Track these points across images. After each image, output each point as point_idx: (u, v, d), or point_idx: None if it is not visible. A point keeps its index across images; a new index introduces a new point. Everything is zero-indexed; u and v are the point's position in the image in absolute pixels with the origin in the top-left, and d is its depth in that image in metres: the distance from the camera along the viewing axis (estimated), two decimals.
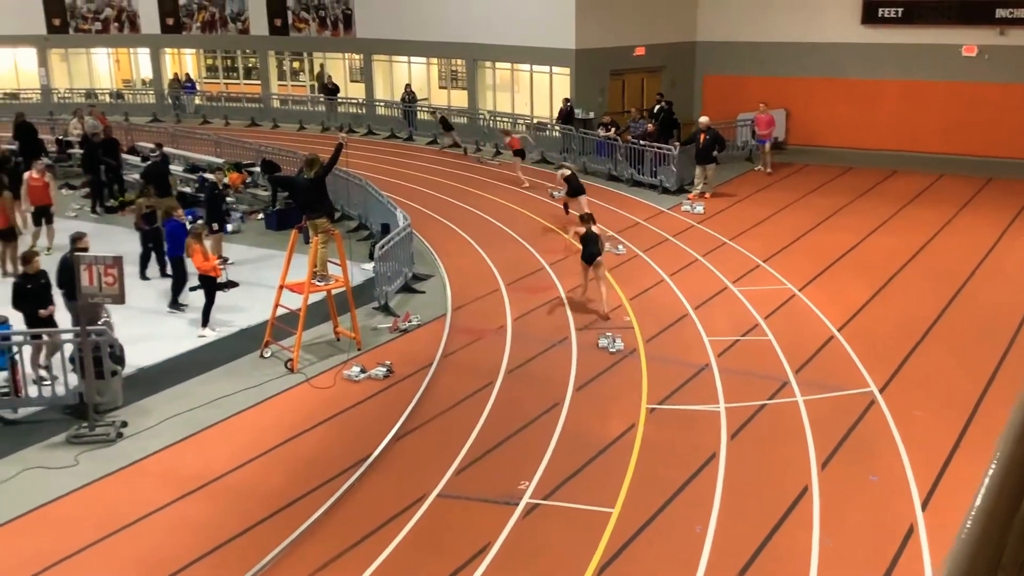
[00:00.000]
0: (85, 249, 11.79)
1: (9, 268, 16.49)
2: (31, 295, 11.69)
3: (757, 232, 19.02)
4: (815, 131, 27.63)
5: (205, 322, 13.71)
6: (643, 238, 18.68)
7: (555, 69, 28.33)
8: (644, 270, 16.72)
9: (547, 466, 9.94)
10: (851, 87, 27.14)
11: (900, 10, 26.05)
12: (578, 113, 26.81)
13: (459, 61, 31.40)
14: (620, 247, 17.73)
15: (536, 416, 11.14)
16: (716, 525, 8.82)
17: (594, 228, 14.60)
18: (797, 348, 12.97)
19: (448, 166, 26.40)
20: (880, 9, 26.30)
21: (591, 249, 14.25)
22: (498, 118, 29.34)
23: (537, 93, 29.39)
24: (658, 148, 22.98)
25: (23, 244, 16.74)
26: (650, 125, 24.49)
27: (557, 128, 26.99)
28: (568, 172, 19.54)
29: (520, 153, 24.30)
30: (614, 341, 13.20)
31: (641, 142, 23.58)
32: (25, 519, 9.11)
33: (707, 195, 21.75)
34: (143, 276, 15.99)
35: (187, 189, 21.31)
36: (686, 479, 9.65)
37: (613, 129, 24.99)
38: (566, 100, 27.10)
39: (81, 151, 22.87)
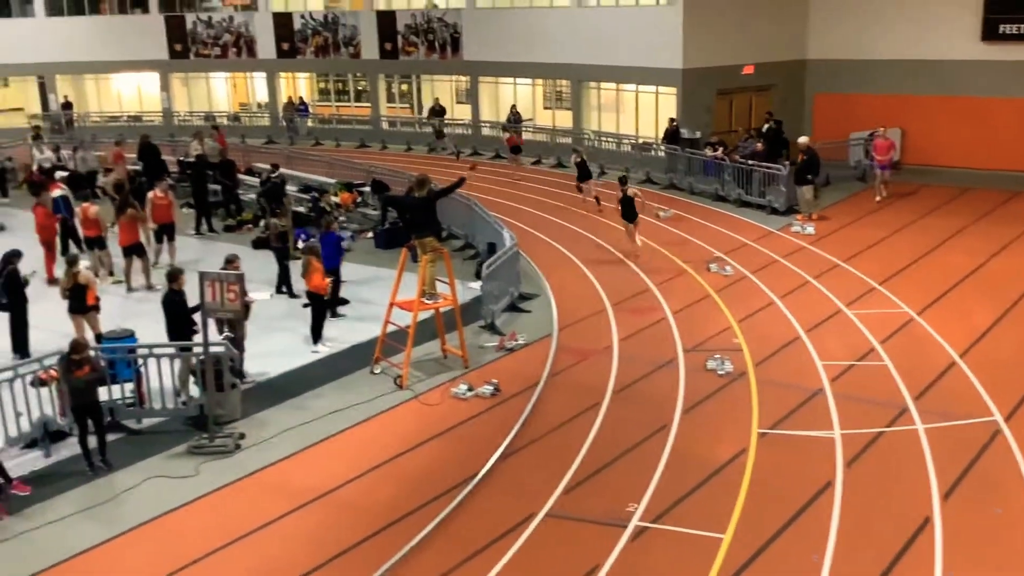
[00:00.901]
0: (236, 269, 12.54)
1: (139, 282, 17.23)
2: (180, 310, 12.16)
3: (872, 254, 18.50)
4: (931, 151, 26.78)
5: (316, 338, 14.05)
6: (752, 259, 18.38)
7: (661, 89, 28.20)
8: (753, 292, 16.43)
9: (656, 489, 9.83)
10: (969, 105, 26.22)
11: (1023, 27, 25.09)
12: (684, 133, 26.59)
13: (564, 82, 31.54)
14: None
15: (644, 438, 11.04)
16: (833, 555, 8.56)
17: (628, 192, 18.58)
18: (916, 374, 12.54)
19: (554, 186, 26.49)
20: (1001, 26, 25.37)
21: (628, 209, 18.65)
22: (602, 138, 29.33)
23: (643, 113, 29.29)
24: (767, 168, 22.60)
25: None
26: (759, 144, 24.11)
27: (662, 148, 26.82)
28: (579, 159, 23.56)
29: (517, 150, 24.59)
30: (723, 363, 13.00)
31: (749, 162, 23.24)
32: (147, 527, 9.44)
33: (813, 216, 21.25)
34: (279, 291, 16.53)
35: (300, 209, 21.88)
36: (800, 507, 9.41)
37: (721, 149, 24.70)
38: (672, 120, 26.92)
39: (189, 172, 23.86)
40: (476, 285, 16.05)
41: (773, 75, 28.36)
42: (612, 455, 10.63)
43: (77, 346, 10.65)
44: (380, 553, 8.74)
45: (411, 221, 13.44)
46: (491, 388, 12.44)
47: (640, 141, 28.39)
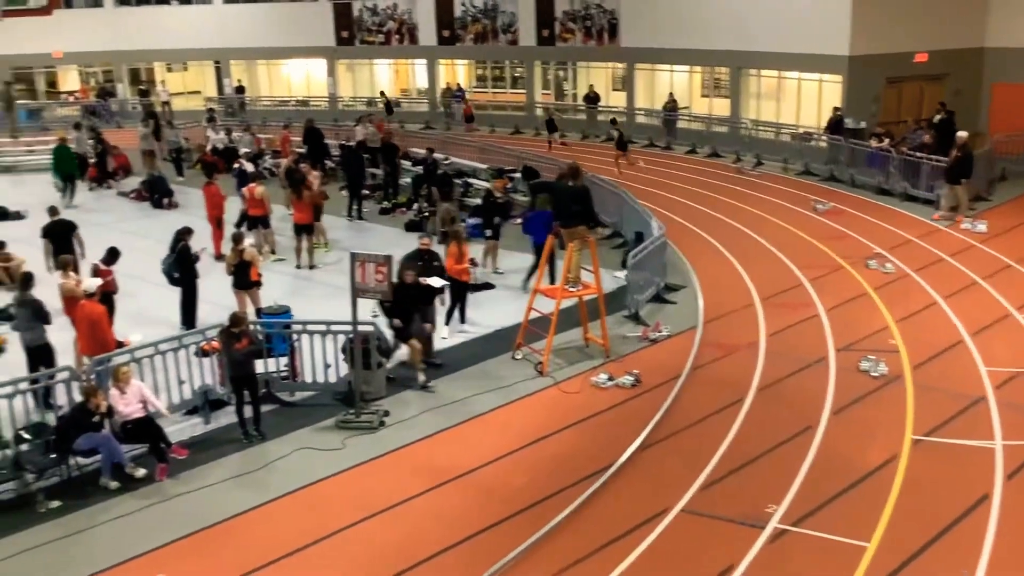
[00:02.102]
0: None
1: (304, 260, 17.98)
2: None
3: None
4: None
5: (448, 321, 14.24)
6: (915, 257, 17.50)
7: (825, 77, 27.18)
8: (915, 291, 15.65)
9: (798, 491, 9.52)
10: None
11: None
12: (848, 123, 25.53)
13: (723, 69, 30.84)
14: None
15: (788, 438, 10.70)
16: (986, 572, 8.08)
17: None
18: None
19: (707, 176, 25.98)
20: None
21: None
22: (760, 127, 28.55)
23: (804, 101, 28.31)
24: (936, 161, 21.43)
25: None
26: (927, 136, 22.87)
27: (824, 139, 25.86)
28: (617, 134, 27.12)
29: (471, 119, 24.40)
30: (877, 365, 12.44)
31: (917, 154, 22.09)
32: (294, 496, 9.84)
33: (958, 219, 19.87)
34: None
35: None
36: (953, 519, 8.91)
37: (887, 140, 23.59)
38: (836, 109, 25.91)
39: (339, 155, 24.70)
40: (622, 274, 15.93)
41: (947, 63, 26.86)
42: (753, 454, 10.36)
43: (236, 319, 11.20)
44: (513, 536, 8.82)
45: (561, 209, 13.43)
46: (632, 379, 12.34)
47: (800, 131, 27.45)
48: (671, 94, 31.62)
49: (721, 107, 31.11)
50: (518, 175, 23.13)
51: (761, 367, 12.75)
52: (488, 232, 17.34)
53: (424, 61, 39.38)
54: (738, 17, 28.82)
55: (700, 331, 14.11)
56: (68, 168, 24.57)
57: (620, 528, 8.97)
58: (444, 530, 9.06)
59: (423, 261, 13.51)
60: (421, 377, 12.35)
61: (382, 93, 38.91)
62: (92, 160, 27.18)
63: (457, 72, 39.65)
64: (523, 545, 8.65)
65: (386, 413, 11.57)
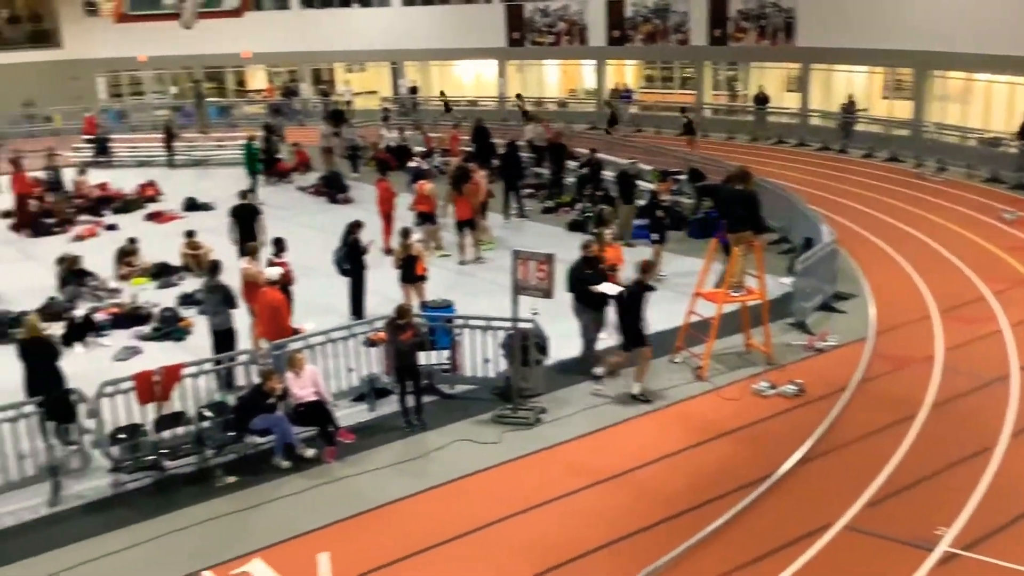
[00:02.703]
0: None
1: (468, 255, 18.40)
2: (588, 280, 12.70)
3: None
4: None
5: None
6: None
7: (1018, 79, 25.53)
8: None
9: (971, 515, 9.01)
10: None
11: None
12: None
13: (905, 70, 29.46)
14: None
15: (962, 458, 10.14)
16: None
17: None
18: None
19: (884, 181, 24.90)
20: None
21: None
22: (944, 132, 27.11)
23: (994, 105, 26.70)
24: None
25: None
26: None
27: (1015, 145, 24.30)
28: (686, 120, 28.76)
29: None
30: None
31: None
32: (451, 486, 10.07)
33: None
34: None
35: (616, 195, 22.18)
36: None
37: None
38: None
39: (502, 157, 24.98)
40: (788, 281, 15.48)
41: None
42: (924, 473, 9.88)
43: (402, 311, 11.58)
44: (667, 540, 8.74)
45: (728, 214, 13.17)
46: (795, 388, 11.98)
47: (989, 136, 25.89)
48: (850, 96, 30.46)
49: (902, 109, 29.74)
50: (683, 177, 22.85)
51: (936, 383, 12.13)
52: (655, 236, 17.14)
53: (593, 62, 39.44)
54: (925, 16, 27.46)
55: (870, 342, 13.56)
56: (251, 166, 25.59)
57: (778, 540, 8.74)
58: (598, 528, 9.08)
59: (592, 269, 13.09)
60: (636, 388, 12.06)
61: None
62: (278, 157, 28.66)
63: (625, 72, 39.50)
64: (677, 549, 8.56)
65: (543, 410, 11.69)
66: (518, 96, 39.12)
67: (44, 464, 9.96)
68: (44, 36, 43.66)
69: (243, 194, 18.55)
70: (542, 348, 12.40)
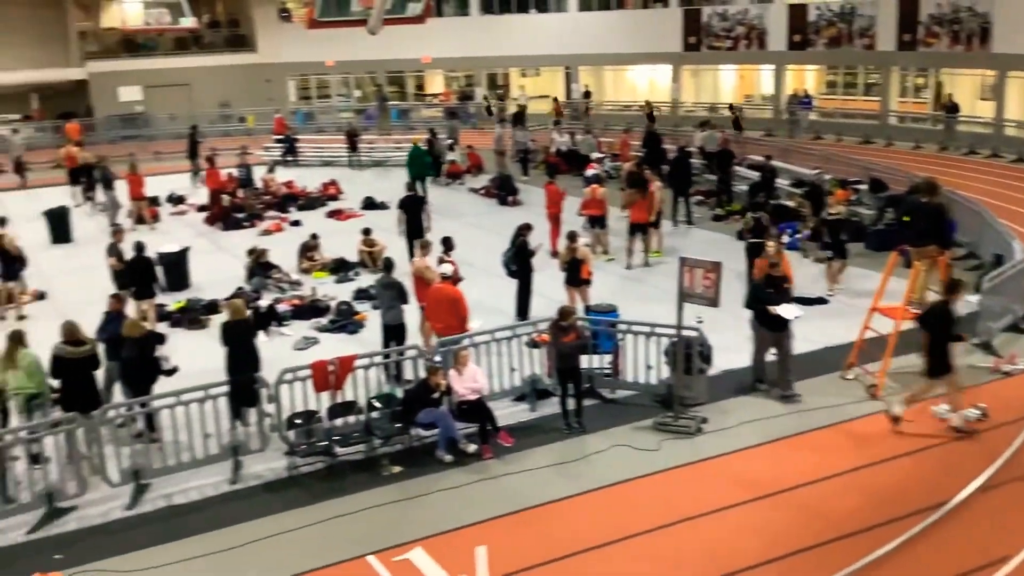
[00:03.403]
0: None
1: (636, 260, 18.36)
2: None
3: None
4: None
5: None
6: None
7: None
8: None
9: None
10: None
11: None
12: None
13: None
14: None
15: None
16: None
17: None
18: None
19: None
20: None
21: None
22: None
23: None
24: None
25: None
26: None
27: None
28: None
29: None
30: None
31: None
32: (607, 490, 10.07)
33: None
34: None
35: (790, 203, 21.61)
36: None
37: None
38: None
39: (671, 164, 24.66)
40: (974, 299, 14.62)
41: None
42: None
43: (565, 313, 11.66)
44: (831, 562, 8.45)
45: (913, 227, 12.54)
46: (977, 412, 11.31)
47: None
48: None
49: None
50: (863, 187, 21.97)
51: None
52: (830, 252, 16.51)
53: (771, 66, 38.47)
54: None
55: None
56: (418, 169, 25.37)
57: (951, 570, 8.30)
58: (759, 544, 8.87)
59: (774, 288, 12.35)
60: (957, 419, 11.05)
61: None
62: (444, 160, 29.39)
63: (805, 78, 38.30)
64: (844, 571, 8.26)
65: (704, 420, 11.52)
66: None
67: (227, 444, 10.60)
68: (241, 41, 46.44)
69: (410, 186, 19.33)
70: (706, 357, 12.21)
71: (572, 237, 15.19)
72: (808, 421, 11.46)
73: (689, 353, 11.73)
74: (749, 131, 33.67)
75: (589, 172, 22.91)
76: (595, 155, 26.51)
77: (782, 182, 23.26)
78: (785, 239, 18.99)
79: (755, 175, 23.57)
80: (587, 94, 42.83)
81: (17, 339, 10.86)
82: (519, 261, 15.32)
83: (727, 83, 41.18)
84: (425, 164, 25.98)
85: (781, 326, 12.11)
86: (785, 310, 12.01)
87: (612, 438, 11.25)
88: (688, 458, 10.67)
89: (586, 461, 10.75)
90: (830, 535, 8.97)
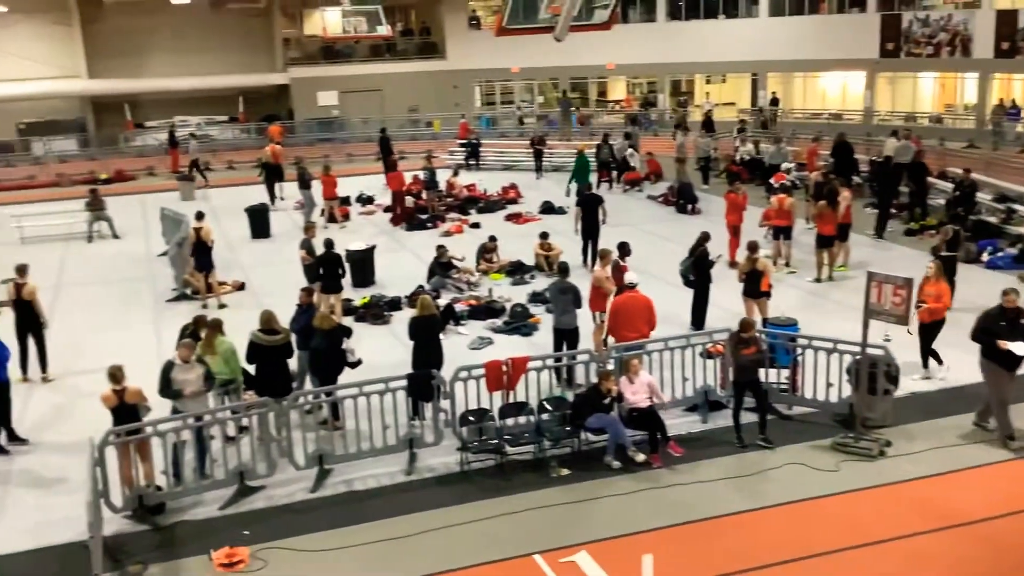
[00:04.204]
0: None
1: (823, 274, 17.85)
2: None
3: None
4: None
5: (924, 362, 13.02)
6: None
7: None
8: None
9: None
10: None
11: None
12: None
13: None
14: None
15: None
16: None
17: None
18: None
19: None
20: None
21: None
22: None
23: None
24: None
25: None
26: None
27: None
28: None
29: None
30: None
31: None
32: (781, 509, 9.79)
33: None
34: None
35: (991, 219, 20.34)
36: None
37: None
38: None
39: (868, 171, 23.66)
40: None
41: None
42: None
43: (746, 325, 11.42)
44: None
45: None
46: None
47: None
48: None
49: None
50: None
51: None
52: None
53: (976, 74, 36.28)
54: None
55: None
56: (582, 178, 25.05)
57: None
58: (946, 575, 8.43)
59: (1007, 322, 10.92)
60: None
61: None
62: (615, 165, 29.28)
63: (1014, 87, 35.90)
64: None
65: (888, 443, 11.00)
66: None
67: (404, 436, 10.98)
68: (431, 48, 47.99)
69: (588, 185, 19.25)
70: (892, 377, 11.65)
71: (753, 248, 14.83)
72: (1005, 452, 10.75)
73: (874, 372, 11.24)
74: (950, 142, 31.87)
75: (776, 182, 22.35)
76: (785, 165, 25.75)
77: (983, 196, 21.89)
78: (985, 257, 17.92)
79: (949, 187, 22.31)
80: (774, 101, 41.73)
81: (216, 327, 11.63)
82: (698, 271, 15.11)
83: (926, 91, 39.13)
84: (586, 175, 25.40)
85: (1012, 365, 10.93)
86: (1019, 347, 10.79)
87: (787, 455, 10.92)
88: (870, 481, 10.22)
89: (759, 477, 10.49)
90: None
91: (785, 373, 12.25)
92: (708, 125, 34.64)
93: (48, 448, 11.84)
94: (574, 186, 24.36)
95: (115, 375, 10.02)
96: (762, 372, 11.73)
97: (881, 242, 20.83)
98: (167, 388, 10.47)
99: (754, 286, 14.50)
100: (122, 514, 9.82)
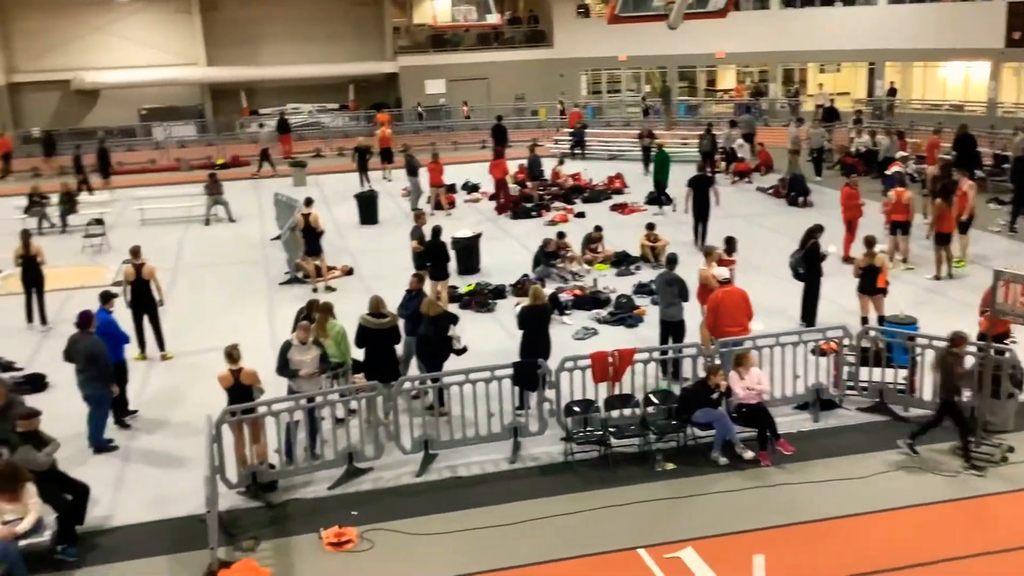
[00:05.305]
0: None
1: (943, 270, 17.25)
2: None
3: None
4: None
5: None
6: None
7: None
8: None
9: None
10: None
11: None
12: None
13: None
14: None
15: None
16: None
17: None
18: None
19: None
20: None
21: None
22: None
23: None
24: None
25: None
26: None
27: None
28: None
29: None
30: None
31: None
32: (895, 513, 9.45)
33: None
34: None
35: None
36: None
37: None
38: None
39: (1010, 166, 22.50)
40: None
41: None
42: None
43: (959, 340, 10.57)
44: None
45: None
46: None
47: None
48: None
49: None
50: None
51: None
52: None
53: None
54: None
55: None
56: (661, 174, 24.53)
57: None
58: None
59: None
60: None
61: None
62: (741, 157, 28.75)
63: None
64: None
65: (1010, 449, 10.52)
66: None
67: (508, 424, 11.02)
68: (539, 36, 47.97)
69: (700, 166, 19.22)
70: (1017, 381, 11.15)
71: (870, 242, 14.37)
72: None
73: (998, 375, 10.75)
74: None
75: (892, 170, 21.60)
76: (899, 154, 24.87)
77: None
78: None
79: None
80: (892, 91, 40.30)
81: (327, 310, 11.87)
82: (808, 264, 14.73)
83: None
84: (666, 172, 24.55)
85: None
86: None
87: (904, 458, 10.53)
88: (992, 488, 9.81)
89: (873, 479, 10.14)
90: None
91: (903, 373, 11.83)
92: (830, 115, 33.68)
93: (165, 425, 12.30)
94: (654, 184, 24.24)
95: (231, 355, 10.32)
96: (877, 372, 11.36)
97: (1013, 238, 19.92)
98: (284, 367, 10.76)
99: (870, 282, 14.06)
100: (236, 490, 10.13)
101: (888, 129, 29.88)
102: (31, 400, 11.14)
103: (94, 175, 29.97)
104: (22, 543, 8.70)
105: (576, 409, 11.04)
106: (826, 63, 43.56)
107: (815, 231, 14.99)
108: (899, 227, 17.97)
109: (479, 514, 9.70)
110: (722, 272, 13.08)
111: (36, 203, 24.76)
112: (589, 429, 10.98)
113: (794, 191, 24.78)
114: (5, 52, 44.53)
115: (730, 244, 14.71)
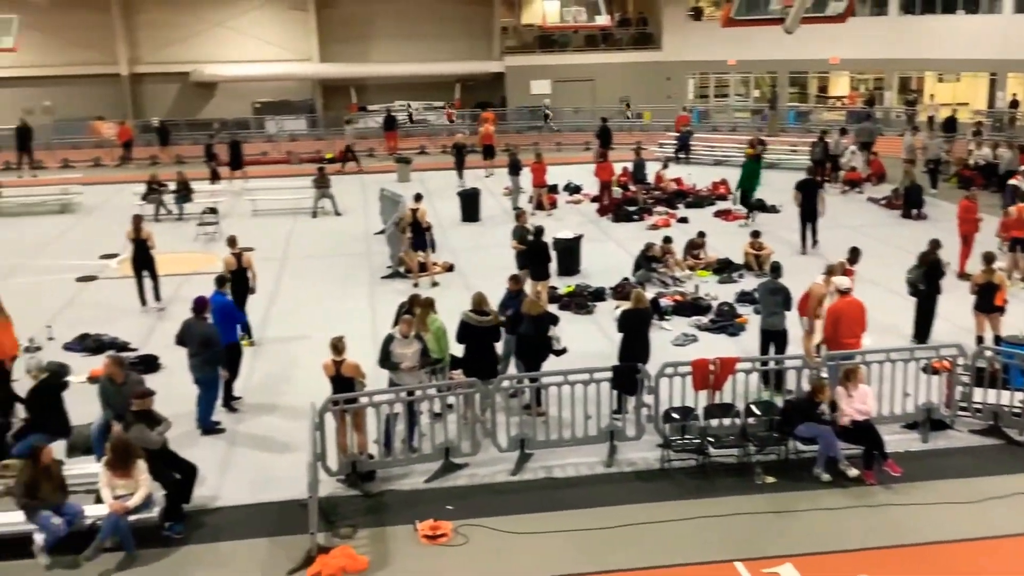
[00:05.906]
0: None
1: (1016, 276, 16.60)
2: None
3: None
4: None
5: None
6: None
7: None
8: None
9: None
10: None
11: None
12: None
13: None
14: None
15: None
16: None
17: None
18: None
19: None
20: None
21: None
22: None
23: None
24: None
25: None
26: None
27: None
28: None
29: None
30: None
31: None
32: (1009, 540, 9.11)
33: None
34: None
35: None
36: None
37: None
38: None
39: None
40: None
41: None
42: None
43: None
44: None
45: None
46: None
47: None
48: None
49: None
50: None
51: None
52: None
53: None
54: None
55: None
56: (748, 184, 24.12)
57: None
58: None
59: None
60: None
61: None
62: (852, 166, 27.99)
63: None
64: None
65: None
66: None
67: (605, 428, 10.94)
68: (647, 39, 47.58)
69: (810, 169, 18.81)
70: None
71: (989, 259, 13.80)
72: None
73: None
74: None
75: (1013, 182, 20.76)
76: (1021, 168, 23.83)
77: None
78: None
79: None
80: (1014, 103, 38.66)
81: (429, 305, 11.99)
82: (928, 280, 14.17)
83: None
84: (754, 182, 24.25)
85: None
86: None
87: (1018, 484, 10.10)
88: None
89: (984, 504, 9.74)
90: None
91: (1020, 396, 11.33)
92: (950, 125, 32.57)
93: (270, 410, 12.61)
94: (738, 194, 24.02)
95: (336, 346, 10.52)
96: (992, 393, 10.92)
97: None
98: (386, 360, 10.92)
99: (987, 300, 13.51)
100: (336, 478, 10.32)
101: (1010, 142, 28.66)
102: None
103: (223, 167, 30.60)
104: (132, 518, 9.05)
105: (675, 416, 10.90)
106: (945, 72, 42.05)
107: (935, 246, 14.48)
108: (1019, 244, 17.24)
109: (573, 516, 9.67)
110: (844, 282, 12.55)
111: (154, 190, 25.69)
112: (687, 437, 10.84)
113: (908, 203, 23.98)
114: (129, 44, 46.39)
115: (854, 254, 14.33)
